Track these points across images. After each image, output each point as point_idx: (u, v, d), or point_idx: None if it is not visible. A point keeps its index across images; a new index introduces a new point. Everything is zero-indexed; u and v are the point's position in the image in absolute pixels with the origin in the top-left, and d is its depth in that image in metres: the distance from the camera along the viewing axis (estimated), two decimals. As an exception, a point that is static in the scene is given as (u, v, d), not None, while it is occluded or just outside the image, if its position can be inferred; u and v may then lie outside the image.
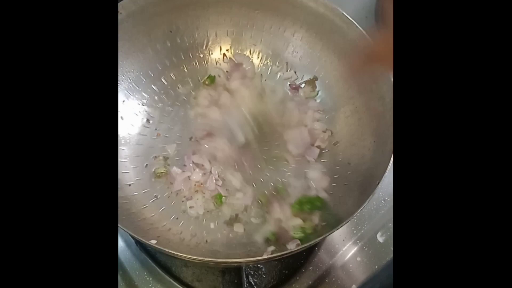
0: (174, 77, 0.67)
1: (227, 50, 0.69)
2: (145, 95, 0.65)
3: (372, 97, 0.58)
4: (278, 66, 0.69)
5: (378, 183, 0.47)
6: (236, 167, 0.60)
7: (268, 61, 0.69)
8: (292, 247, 0.52)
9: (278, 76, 0.69)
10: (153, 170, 0.61)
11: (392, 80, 0.53)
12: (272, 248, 0.53)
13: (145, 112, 0.65)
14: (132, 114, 0.64)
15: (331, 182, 0.60)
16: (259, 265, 0.59)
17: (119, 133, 0.62)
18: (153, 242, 0.49)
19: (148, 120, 0.64)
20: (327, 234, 0.47)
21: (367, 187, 0.50)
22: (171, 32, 0.65)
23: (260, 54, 0.69)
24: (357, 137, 0.60)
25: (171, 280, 0.57)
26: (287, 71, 0.68)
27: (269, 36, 0.68)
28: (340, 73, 0.63)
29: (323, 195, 0.58)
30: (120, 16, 0.58)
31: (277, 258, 0.46)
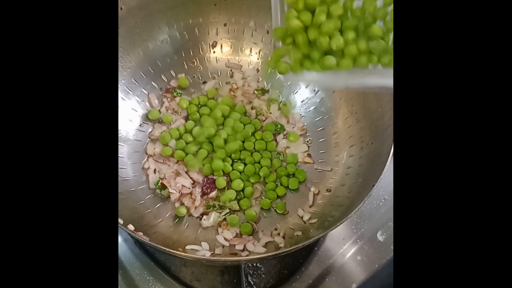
0: (174, 74, 0.68)
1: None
2: (144, 92, 0.65)
3: (370, 98, 0.58)
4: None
5: (374, 185, 0.47)
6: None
7: (268, 60, 0.69)
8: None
9: (278, 75, 0.69)
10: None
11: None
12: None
13: (143, 108, 0.65)
14: (131, 110, 0.64)
15: (329, 184, 0.60)
16: (258, 265, 0.58)
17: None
18: (146, 238, 0.49)
19: (146, 117, 0.64)
20: (325, 233, 0.47)
21: (365, 188, 0.50)
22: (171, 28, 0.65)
23: (261, 53, 0.69)
24: (356, 138, 0.60)
25: (171, 280, 0.57)
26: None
27: (270, 35, 0.67)
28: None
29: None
30: (120, 12, 0.58)
31: (277, 255, 0.46)
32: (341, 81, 0.41)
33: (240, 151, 0.62)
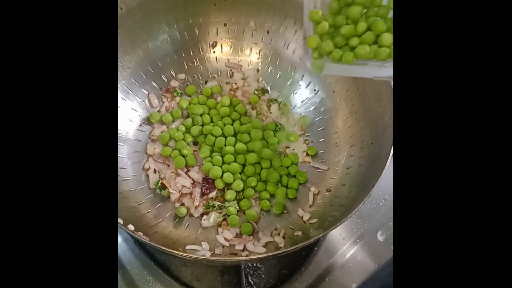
0: (174, 74, 0.68)
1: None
2: (144, 92, 0.65)
3: (370, 98, 0.58)
4: (278, 65, 0.69)
5: (374, 185, 0.47)
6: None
7: (268, 60, 0.69)
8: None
9: (278, 75, 0.69)
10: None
11: (391, 82, 0.53)
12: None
13: (143, 108, 0.65)
14: (131, 110, 0.64)
15: (329, 184, 0.60)
16: (258, 265, 0.58)
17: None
18: (146, 238, 0.49)
19: (146, 116, 0.65)
20: (325, 233, 0.47)
21: (365, 188, 0.50)
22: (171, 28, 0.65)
23: (261, 53, 0.69)
24: (356, 138, 0.60)
25: (171, 280, 0.57)
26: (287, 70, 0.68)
27: (270, 35, 0.68)
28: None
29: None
30: (120, 12, 0.58)
31: (277, 255, 0.46)
32: (369, 71, 0.42)
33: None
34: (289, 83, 0.68)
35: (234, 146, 0.62)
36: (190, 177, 0.60)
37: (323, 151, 0.63)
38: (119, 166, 0.59)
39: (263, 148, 0.61)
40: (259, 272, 0.58)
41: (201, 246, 0.54)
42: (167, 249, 0.45)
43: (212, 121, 0.65)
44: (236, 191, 0.59)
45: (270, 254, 0.47)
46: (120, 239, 0.59)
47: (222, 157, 0.61)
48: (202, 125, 0.64)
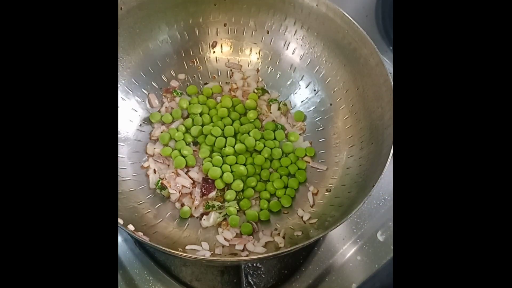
0: (174, 74, 0.68)
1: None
2: (144, 92, 0.65)
3: (370, 98, 0.58)
4: (278, 65, 0.69)
5: (374, 185, 0.47)
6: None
7: (268, 60, 0.69)
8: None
9: (278, 75, 0.69)
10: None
11: (391, 82, 0.53)
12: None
13: (143, 109, 0.65)
14: (131, 110, 0.64)
15: (329, 184, 0.60)
16: (258, 265, 0.58)
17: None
18: (146, 238, 0.49)
19: (146, 116, 0.65)
20: (325, 233, 0.47)
21: (365, 188, 0.50)
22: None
23: (261, 53, 0.69)
24: (356, 138, 0.60)
25: (171, 280, 0.57)
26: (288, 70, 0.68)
27: (270, 35, 0.68)
28: (340, 73, 0.63)
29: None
30: (120, 12, 0.58)
31: (277, 255, 0.46)
32: None
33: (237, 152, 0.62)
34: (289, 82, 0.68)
35: (234, 146, 0.62)
36: (190, 177, 0.60)
37: (323, 151, 0.63)
38: (119, 166, 0.59)
39: (275, 148, 0.62)
40: (259, 272, 0.58)
41: (201, 246, 0.54)
42: (167, 249, 0.45)
43: (212, 121, 0.65)
44: (236, 191, 0.59)
45: (270, 254, 0.47)
46: (120, 239, 0.59)
47: (222, 157, 0.61)
48: (202, 125, 0.64)
